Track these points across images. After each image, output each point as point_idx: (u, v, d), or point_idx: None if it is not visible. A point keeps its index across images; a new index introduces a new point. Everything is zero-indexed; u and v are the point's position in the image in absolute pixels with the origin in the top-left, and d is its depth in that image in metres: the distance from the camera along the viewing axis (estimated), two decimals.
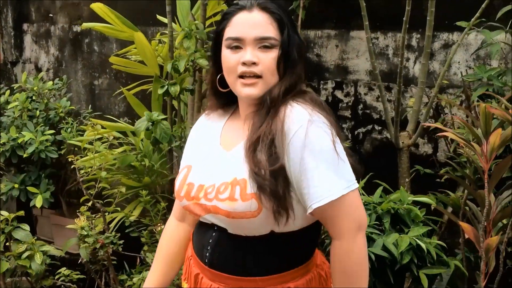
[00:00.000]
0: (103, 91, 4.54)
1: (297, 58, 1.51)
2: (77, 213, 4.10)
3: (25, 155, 3.68)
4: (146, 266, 2.89)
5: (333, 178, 1.41)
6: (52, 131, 3.79)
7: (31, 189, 3.69)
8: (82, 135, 3.85)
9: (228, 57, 1.50)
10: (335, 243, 1.47)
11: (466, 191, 2.34)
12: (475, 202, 2.33)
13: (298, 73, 1.51)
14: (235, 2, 1.53)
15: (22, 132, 3.73)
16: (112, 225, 3.06)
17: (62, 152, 3.91)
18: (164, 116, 2.92)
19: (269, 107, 1.46)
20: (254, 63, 1.46)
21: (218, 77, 1.57)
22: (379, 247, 2.20)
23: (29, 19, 4.83)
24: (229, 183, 1.45)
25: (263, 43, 1.47)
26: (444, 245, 2.33)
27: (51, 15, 4.70)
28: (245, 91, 1.48)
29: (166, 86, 2.95)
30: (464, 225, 2.15)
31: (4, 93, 4.07)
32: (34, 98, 3.99)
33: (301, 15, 3.17)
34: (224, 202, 1.44)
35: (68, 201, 4.29)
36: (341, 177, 1.42)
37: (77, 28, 4.59)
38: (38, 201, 3.65)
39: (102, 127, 3.30)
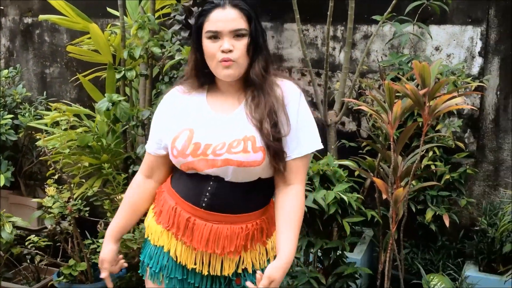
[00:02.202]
0: (54, 79, 4.82)
1: (263, 43, 1.88)
2: (37, 192, 4.43)
3: None
4: None
5: (315, 137, 1.91)
6: (11, 116, 4.06)
7: None
8: (38, 119, 4.16)
9: (209, 46, 1.83)
10: (295, 187, 1.89)
11: (379, 154, 2.83)
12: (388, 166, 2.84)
13: (266, 54, 1.90)
14: (208, 0, 1.86)
15: None
16: (76, 195, 3.38)
17: (20, 135, 4.19)
18: (123, 98, 3.27)
19: (259, 83, 1.85)
20: (230, 51, 1.81)
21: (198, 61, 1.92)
22: (311, 201, 2.65)
23: None
24: (241, 140, 1.82)
25: (236, 33, 1.82)
26: (363, 198, 2.83)
27: (2, 8, 4.92)
28: (224, 72, 1.83)
29: (123, 72, 3.31)
30: (377, 180, 2.64)
31: None
32: None
33: None
34: (238, 154, 1.80)
35: (25, 182, 4.55)
36: (318, 138, 1.93)
37: (28, 20, 4.84)
38: (1, 180, 3.91)
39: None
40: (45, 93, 4.59)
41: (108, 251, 2.07)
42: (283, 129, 1.85)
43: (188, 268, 1.94)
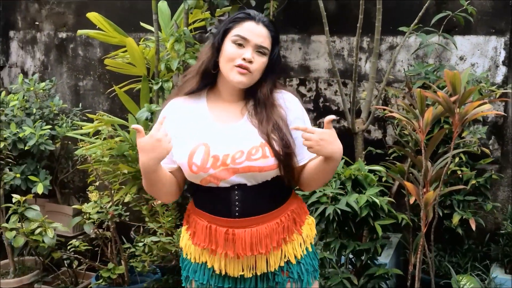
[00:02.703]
0: (87, 91, 5.00)
1: (276, 68, 2.03)
2: (71, 200, 4.58)
3: (26, 148, 4.10)
4: (147, 234, 3.38)
5: None
6: (49, 126, 4.23)
7: (32, 178, 4.11)
8: (74, 130, 4.33)
9: (231, 49, 1.93)
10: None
11: (409, 160, 2.95)
12: (417, 170, 2.96)
13: (276, 79, 2.05)
14: (244, 11, 1.99)
15: (22, 127, 4.16)
16: (115, 200, 3.52)
17: (56, 145, 4.36)
18: (161, 108, 3.41)
19: (263, 100, 1.99)
20: (250, 61, 1.92)
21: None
22: (344, 204, 2.78)
23: (15, 27, 5.23)
24: (259, 146, 1.93)
25: (260, 49, 1.94)
26: (394, 201, 2.95)
27: (37, 23, 5.12)
28: (238, 78, 1.92)
29: (161, 83, 3.47)
30: (408, 184, 2.76)
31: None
32: (25, 98, 4.41)
33: None
34: (258, 160, 1.91)
35: (60, 190, 4.72)
36: None
37: (62, 35, 5.04)
38: (39, 188, 4.07)
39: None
40: (80, 104, 4.76)
41: None
42: (291, 141, 1.96)
43: (235, 277, 2.02)
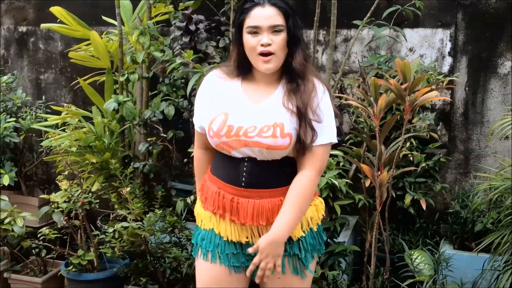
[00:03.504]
0: (49, 84, 5.04)
1: (300, 37, 2.09)
2: (36, 191, 4.65)
3: None
4: (116, 221, 3.50)
5: (332, 129, 2.13)
6: (13, 119, 4.28)
7: None
8: (39, 122, 4.40)
9: (250, 40, 2.05)
10: (305, 173, 2.11)
11: (364, 144, 3.17)
12: (372, 154, 3.18)
13: (304, 46, 2.11)
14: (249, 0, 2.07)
15: None
16: (84, 188, 3.62)
17: (21, 138, 4.42)
18: (128, 98, 3.54)
19: (301, 71, 2.07)
20: (269, 44, 2.02)
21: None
22: None
23: None
24: (271, 126, 2.05)
25: (274, 29, 2.03)
26: (351, 182, 3.16)
27: None
28: (265, 66, 2.05)
29: (127, 75, 3.58)
30: (364, 166, 2.98)
31: None
32: None
33: (231, 16, 3.89)
34: (267, 138, 2.04)
35: (25, 182, 4.77)
36: (334, 131, 2.15)
37: (22, 29, 5.06)
38: (5, 180, 4.13)
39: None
40: (43, 97, 4.81)
41: None
42: (322, 115, 2.08)
43: (241, 242, 2.18)
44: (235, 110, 2.12)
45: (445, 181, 3.97)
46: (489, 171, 3.68)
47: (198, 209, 2.30)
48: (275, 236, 2.06)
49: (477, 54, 3.82)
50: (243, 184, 2.13)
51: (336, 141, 2.17)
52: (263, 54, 2.05)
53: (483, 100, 3.85)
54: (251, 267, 2.10)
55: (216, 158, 2.23)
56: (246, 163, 2.12)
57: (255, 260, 2.08)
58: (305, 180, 2.11)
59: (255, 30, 2.05)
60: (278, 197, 2.13)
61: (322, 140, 2.10)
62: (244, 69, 2.17)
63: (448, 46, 3.86)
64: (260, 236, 2.14)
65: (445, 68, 3.89)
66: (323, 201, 2.34)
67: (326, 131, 2.11)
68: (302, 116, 2.06)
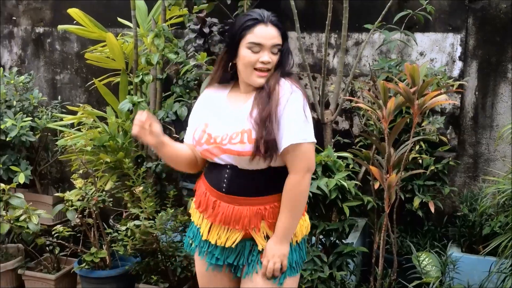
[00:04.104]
0: (64, 85, 5.13)
1: (286, 59, 2.20)
2: (50, 190, 4.72)
3: (8, 139, 4.24)
4: (129, 219, 3.57)
5: (297, 130, 2.14)
6: (29, 118, 4.36)
7: (14, 168, 4.25)
8: (54, 122, 4.48)
9: (249, 55, 2.13)
10: (290, 176, 2.18)
11: (374, 147, 3.21)
12: (381, 157, 3.22)
13: (285, 69, 2.21)
14: (250, 13, 2.15)
15: (3, 119, 4.29)
16: (98, 186, 3.70)
17: (36, 137, 4.50)
18: (142, 99, 3.61)
19: (269, 92, 2.14)
20: (269, 62, 2.14)
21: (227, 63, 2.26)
22: (314, 187, 3.02)
23: None
24: (239, 132, 2.13)
25: (274, 49, 2.14)
26: (360, 184, 3.20)
27: (14, 18, 5.23)
28: (259, 80, 2.15)
29: (141, 76, 3.65)
30: (373, 168, 3.02)
31: None
32: (5, 91, 4.54)
33: None
34: (236, 145, 2.12)
35: (39, 180, 4.86)
36: (303, 131, 2.15)
37: (39, 29, 5.16)
38: (21, 178, 4.22)
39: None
40: (59, 97, 4.90)
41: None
42: (274, 131, 2.10)
43: (214, 243, 2.27)
44: (213, 119, 2.25)
45: (454, 184, 4.00)
46: (498, 175, 3.70)
47: (193, 208, 2.42)
48: (278, 237, 2.20)
49: (487, 59, 3.85)
50: (223, 190, 2.22)
51: (313, 140, 2.18)
52: (260, 70, 2.15)
53: (492, 104, 3.88)
54: (263, 270, 2.20)
55: (208, 163, 2.34)
56: (227, 170, 2.21)
57: (265, 262, 2.19)
58: (291, 183, 2.17)
59: (257, 49, 2.13)
60: (257, 205, 2.20)
61: (287, 142, 2.11)
62: (224, 81, 2.29)
63: (459, 51, 3.90)
64: (227, 240, 2.23)
65: (455, 72, 3.92)
66: (307, 218, 2.41)
67: (292, 133, 2.12)
68: (263, 123, 2.10)
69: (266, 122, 2.10)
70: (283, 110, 2.13)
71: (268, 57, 2.14)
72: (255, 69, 2.15)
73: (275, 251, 2.19)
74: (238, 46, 2.17)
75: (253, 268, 2.25)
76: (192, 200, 3.39)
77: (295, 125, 2.13)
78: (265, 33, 2.13)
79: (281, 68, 2.20)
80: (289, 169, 2.19)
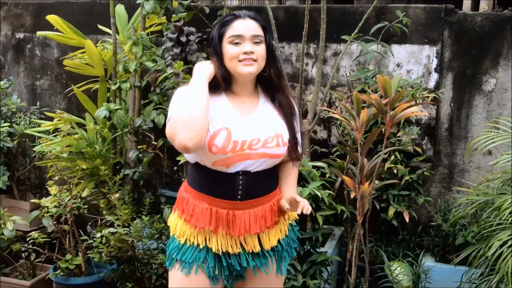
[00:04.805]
0: (44, 90, 5.12)
1: (273, 50, 2.23)
2: (28, 196, 4.70)
3: None
4: (104, 226, 3.56)
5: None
6: (7, 124, 4.35)
7: None
8: (33, 128, 4.47)
9: (231, 50, 2.13)
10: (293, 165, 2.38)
11: (348, 157, 3.24)
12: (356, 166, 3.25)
13: (277, 60, 2.27)
14: (230, 13, 2.19)
15: None
16: (73, 194, 3.69)
17: (14, 143, 4.49)
18: (119, 106, 3.62)
19: (276, 83, 2.25)
20: (252, 52, 2.12)
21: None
22: None
23: None
24: (274, 136, 2.19)
25: (256, 39, 2.14)
26: (334, 194, 3.23)
27: None
28: (246, 69, 2.13)
29: (119, 83, 3.66)
30: (346, 178, 3.05)
31: None
32: None
33: None
34: (273, 148, 2.19)
35: (17, 186, 4.84)
36: None
37: (19, 35, 5.15)
38: None
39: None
40: (38, 103, 4.89)
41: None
42: (300, 125, 2.35)
43: (232, 253, 2.26)
44: (234, 125, 2.18)
45: (429, 194, 4.04)
46: (472, 186, 3.75)
47: (179, 224, 2.30)
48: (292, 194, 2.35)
49: (462, 71, 3.91)
50: (239, 196, 2.21)
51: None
52: (245, 60, 2.14)
53: (467, 115, 3.93)
54: (302, 204, 2.24)
55: (202, 176, 2.24)
56: (241, 177, 2.20)
57: (299, 199, 2.26)
58: (295, 170, 2.43)
59: (237, 40, 2.14)
60: (268, 202, 2.28)
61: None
62: (227, 82, 2.22)
63: (435, 63, 3.95)
64: (246, 245, 2.27)
65: (431, 84, 3.97)
66: None
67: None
68: (292, 128, 2.28)
69: (295, 124, 2.30)
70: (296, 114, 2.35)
71: (250, 47, 2.13)
72: (240, 61, 2.14)
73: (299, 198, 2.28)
74: (221, 46, 2.18)
75: (266, 265, 2.33)
76: (168, 208, 3.39)
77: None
78: (244, 25, 2.15)
79: (273, 61, 2.23)
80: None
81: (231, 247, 2.26)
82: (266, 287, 2.38)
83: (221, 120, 2.17)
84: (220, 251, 2.25)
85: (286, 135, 2.25)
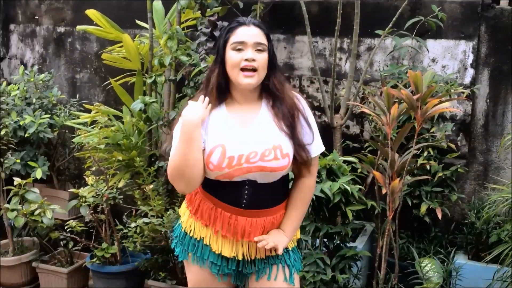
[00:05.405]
0: (83, 83, 5.25)
1: (275, 61, 2.23)
2: (67, 185, 4.84)
3: (26, 135, 4.36)
4: (139, 217, 3.65)
5: (319, 138, 2.31)
6: (48, 116, 4.48)
7: (31, 163, 4.37)
8: (71, 119, 4.60)
9: (233, 56, 2.13)
10: (306, 180, 2.31)
11: (379, 152, 3.24)
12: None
13: (279, 71, 2.26)
14: (234, 19, 2.21)
15: (22, 116, 4.42)
16: (110, 184, 3.80)
17: (54, 134, 4.62)
18: (154, 99, 3.70)
19: (278, 93, 2.20)
20: (253, 59, 2.10)
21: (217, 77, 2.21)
22: (318, 191, 3.05)
23: (15, 20, 5.48)
24: (271, 149, 2.14)
25: (258, 47, 2.13)
26: (364, 188, 3.23)
27: (37, 17, 5.38)
28: (246, 80, 2.12)
29: (154, 77, 3.73)
30: (376, 173, 3.05)
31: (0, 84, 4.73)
32: (25, 88, 4.67)
33: None
34: (271, 161, 2.13)
35: (57, 176, 4.98)
36: (320, 139, 2.32)
37: (60, 29, 5.29)
38: (38, 173, 4.32)
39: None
40: (77, 96, 5.02)
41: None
42: (306, 134, 2.24)
43: (228, 256, 2.31)
44: (230, 139, 2.18)
45: (464, 191, 4.00)
46: (507, 184, 3.69)
47: (188, 219, 2.38)
48: (287, 233, 2.32)
49: (498, 67, 3.85)
50: (243, 205, 2.23)
51: (324, 148, 2.34)
52: (246, 70, 2.13)
53: (503, 112, 3.87)
54: (261, 239, 2.25)
55: (209, 181, 2.24)
56: (247, 187, 2.21)
57: (265, 236, 2.26)
58: (308, 186, 2.35)
59: (240, 47, 2.13)
60: (272, 215, 2.28)
61: (315, 152, 2.29)
62: (223, 92, 2.22)
63: (470, 58, 3.90)
64: (247, 251, 2.31)
65: (467, 80, 3.92)
66: None
67: (316, 143, 2.30)
68: (295, 137, 2.20)
69: (296, 133, 2.20)
70: (306, 116, 2.26)
71: (252, 54, 2.12)
72: (241, 70, 2.13)
73: (275, 237, 2.28)
74: (224, 52, 2.18)
75: (268, 271, 2.34)
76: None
77: (317, 134, 2.30)
78: (247, 32, 2.15)
79: (275, 69, 2.22)
80: (304, 174, 2.31)
81: (235, 251, 2.30)
82: None
83: (217, 137, 2.18)
84: (221, 252, 2.30)
85: (286, 146, 2.18)
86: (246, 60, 2.12)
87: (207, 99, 2.19)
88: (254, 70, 2.14)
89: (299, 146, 2.20)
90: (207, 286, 2.39)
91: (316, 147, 2.28)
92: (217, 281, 2.36)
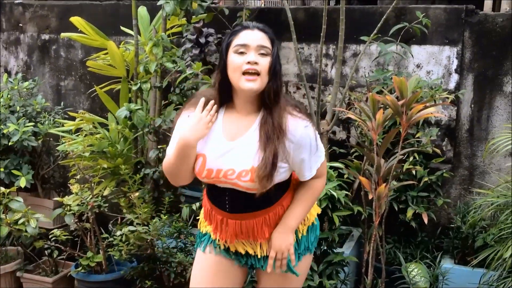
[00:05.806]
0: (68, 91, 5.22)
1: (279, 68, 2.11)
2: (52, 194, 4.79)
3: (10, 143, 4.32)
4: (125, 225, 3.62)
5: (320, 156, 2.24)
6: (32, 124, 4.45)
7: (15, 172, 4.32)
8: (56, 127, 4.56)
9: (235, 59, 2.05)
10: (316, 180, 2.27)
11: (365, 158, 3.25)
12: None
13: (279, 81, 2.11)
14: (240, 23, 2.17)
15: (6, 124, 4.37)
16: (95, 193, 3.76)
17: (39, 142, 4.58)
18: (139, 107, 3.68)
19: (269, 105, 2.09)
20: (256, 63, 2.02)
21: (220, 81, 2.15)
22: None
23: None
24: (248, 170, 2.09)
25: (262, 50, 2.05)
26: (350, 194, 3.23)
27: (21, 25, 5.34)
28: (248, 84, 2.03)
29: (139, 84, 3.72)
30: (362, 179, 3.06)
31: None
32: (9, 96, 4.63)
33: None
34: (246, 182, 2.11)
35: (41, 185, 4.94)
36: (321, 154, 2.25)
37: (45, 36, 5.26)
38: (22, 182, 4.29)
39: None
40: (62, 103, 4.98)
41: None
42: (284, 157, 2.11)
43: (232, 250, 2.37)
44: (213, 152, 2.17)
45: (449, 196, 4.02)
46: (492, 188, 3.71)
47: (201, 216, 2.49)
48: (285, 227, 2.25)
49: (483, 72, 3.87)
50: (227, 210, 2.27)
51: (323, 159, 2.28)
52: (248, 73, 2.05)
53: (488, 117, 3.90)
54: (270, 261, 2.26)
55: (206, 184, 2.34)
56: (228, 193, 2.23)
57: (271, 254, 2.25)
58: (315, 187, 2.30)
59: (242, 50, 2.06)
60: (261, 216, 2.25)
61: (311, 174, 2.24)
62: (225, 97, 2.18)
63: (455, 63, 3.92)
64: (250, 245, 2.33)
65: (452, 85, 3.95)
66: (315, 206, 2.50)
67: (314, 162, 2.22)
68: (273, 154, 2.08)
69: (276, 160, 2.09)
70: (293, 141, 2.13)
71: (254, 57, 2.04)
72: (243, 73, 2.05)
73: (281, 241, 2.24)
74: (227, 56, 2.11)
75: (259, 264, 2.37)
76: (186, 207, 3.47)
77: (316, 157, 2.22)
78: (250, 35, 2.09)
79: (274, 78, 2.09)
80: (316, 176, 2.29)
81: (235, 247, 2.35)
82: (277, 286, 2.39)
83: (203, 145, 2.18)
84: (223, 246, 2.37)
85: (263, 169, 2.09)
86: (249, 63, 2.04)
87: (209, 117, 2.12)
88: (257, 74, 2.05)
89: (274, 169, 2.10)
90: (216, 268, 2.40)
91: (313, 168, 2.23)
92: (231, 266, 2.39)
